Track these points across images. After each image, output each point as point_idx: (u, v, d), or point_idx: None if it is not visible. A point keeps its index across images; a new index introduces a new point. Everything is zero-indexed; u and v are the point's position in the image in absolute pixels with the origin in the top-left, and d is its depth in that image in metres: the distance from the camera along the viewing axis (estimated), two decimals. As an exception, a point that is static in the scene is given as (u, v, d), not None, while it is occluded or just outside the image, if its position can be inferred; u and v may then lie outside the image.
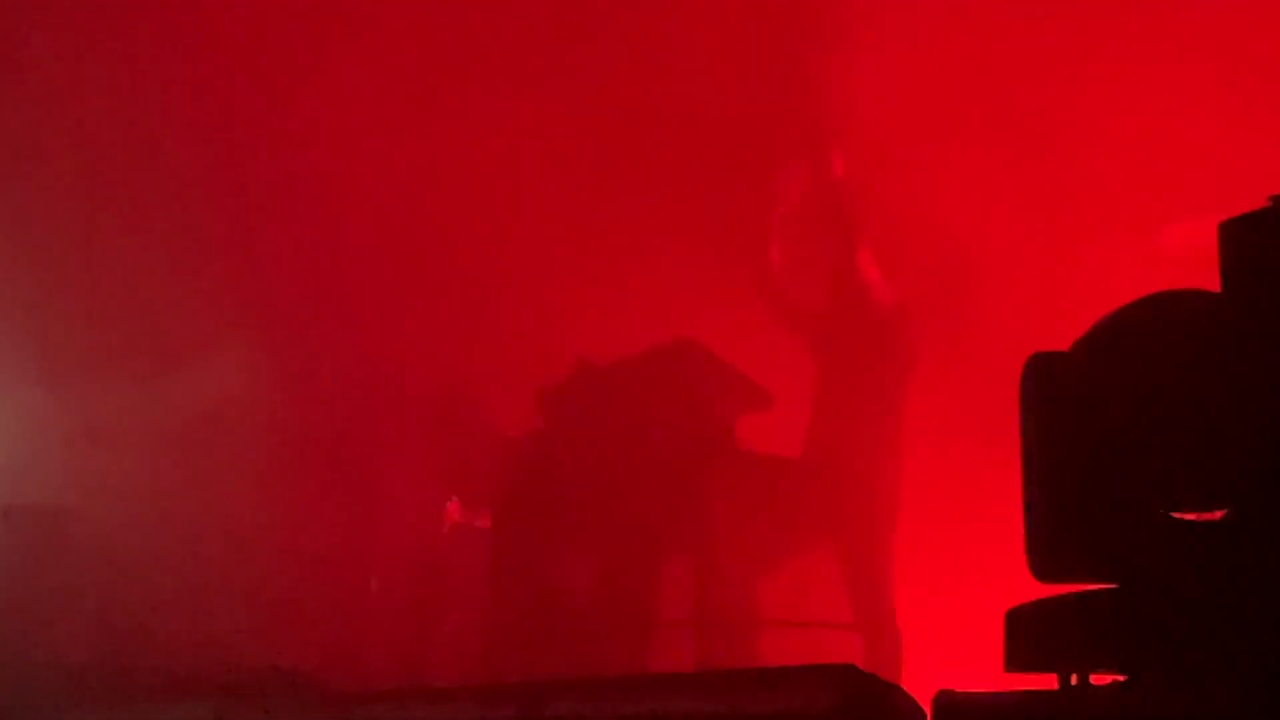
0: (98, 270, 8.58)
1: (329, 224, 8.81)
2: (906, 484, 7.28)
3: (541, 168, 8.73)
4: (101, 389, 8.47)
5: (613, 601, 7.07)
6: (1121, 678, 3.29)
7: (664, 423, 7.13)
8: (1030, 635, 3.43)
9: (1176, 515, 3.41)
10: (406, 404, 8.77)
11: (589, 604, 7.16)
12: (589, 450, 7.29)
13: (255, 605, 7.87)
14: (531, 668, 6.80)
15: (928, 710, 3.33)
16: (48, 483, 8.08)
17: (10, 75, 8.50)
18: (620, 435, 7.21)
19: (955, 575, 7.55)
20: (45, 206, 8.54)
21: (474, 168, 8.70)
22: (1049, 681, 3.37)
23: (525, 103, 8.82)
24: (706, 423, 7.20)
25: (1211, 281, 3.38)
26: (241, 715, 5.45)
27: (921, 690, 3.37)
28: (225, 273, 8.64)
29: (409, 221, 8.75)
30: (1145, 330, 3.51)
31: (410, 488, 8.59)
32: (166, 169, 8.70)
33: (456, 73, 8.83)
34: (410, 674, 7.87)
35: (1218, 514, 3.36)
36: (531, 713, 4.18)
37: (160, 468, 8.18)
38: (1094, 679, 3.33)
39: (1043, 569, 3.46)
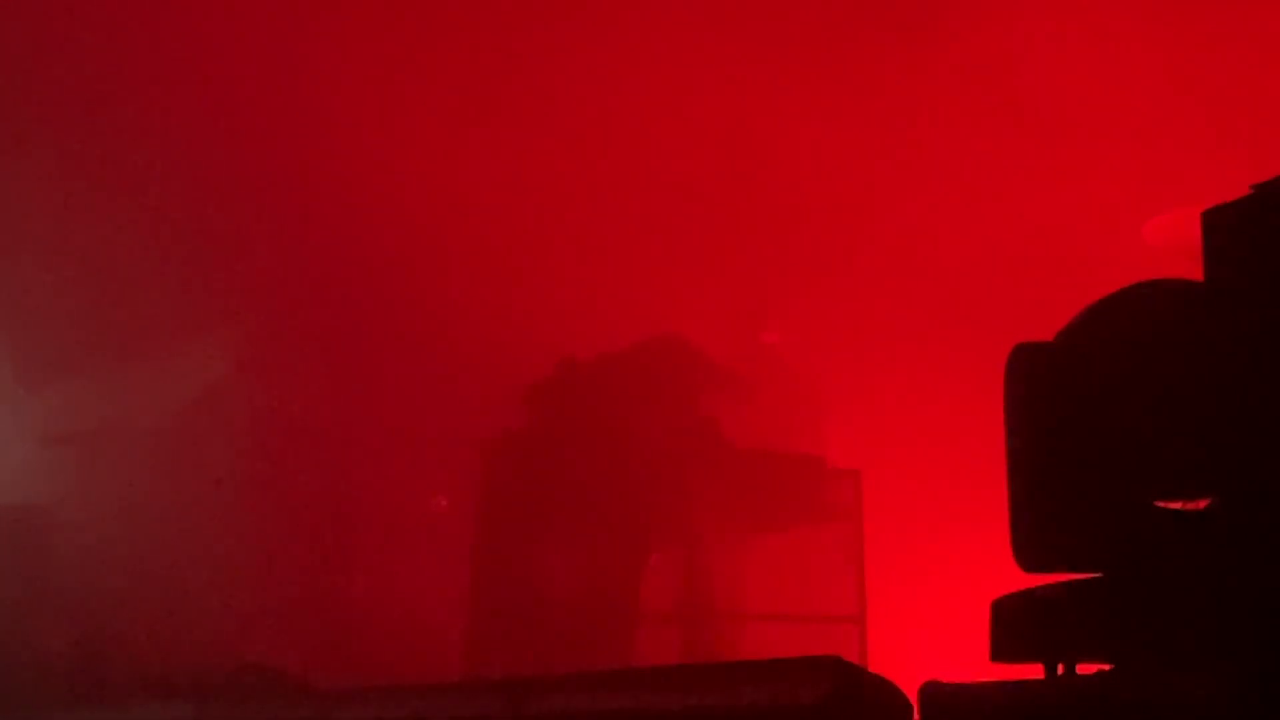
0: (73, 271, 8.53)
1: (310, 224, 8.77)
2: (891, 477, 7.31)
3: (525, 167, 8.71)
4: (77, 390, 8.42)
5: (598, 596, 7.06)
6: (1107, 666, 3.29)
7: (648, 418, 7.13)
8: (1016, 625, 3.43)
9: (1161, 504, 3.41)
10: (388, 401, 8.74)
11: (574, 599, 7.15)
12: (573, 446, 7.28)
13: (235, 603, 7.83)
14: (516, 663, 6.79)
15: (914, 701, 3.32)
16: (22, 484, 8.03)
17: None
18: (604, 431, 7.21)
19: (940, 566, 7.56)
20: (20, 207, 8.49)
21: (458, 167, 8.67)
22: (1035, 671, 3.37)
23: (512, 104, 8.80)
24: (690, 417, 7.20)
25: (1194, 274, 3.37)
26: (220, 713, 5.43)
27: (907, 681, 3.37)
28: (203, 274, 8.60)
29: (392, 221, 8.72)
30: (1129, 320, 3.50)
31: (392, 484, 8.56)
32: (145, 168, 8.65)
33: (443, 75, 8.81)
34: (392, 671, 7.84)
35: (1202, 503, 3.36)
36: (516, 708, 4.17)
37: (137, 468, 8.14)
38: (1080, 668, 3.32)
39: (1028, 559, 3.45)
